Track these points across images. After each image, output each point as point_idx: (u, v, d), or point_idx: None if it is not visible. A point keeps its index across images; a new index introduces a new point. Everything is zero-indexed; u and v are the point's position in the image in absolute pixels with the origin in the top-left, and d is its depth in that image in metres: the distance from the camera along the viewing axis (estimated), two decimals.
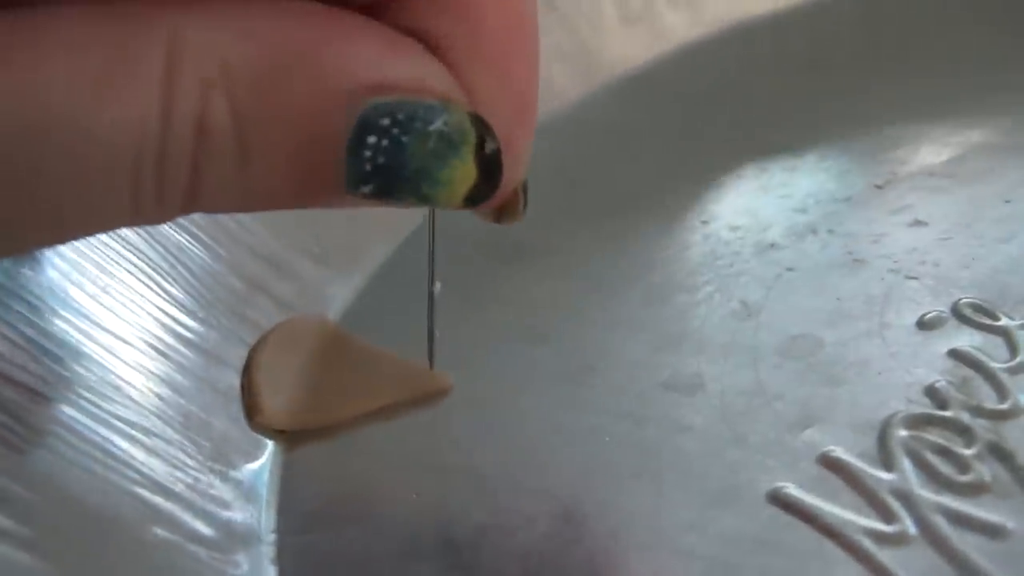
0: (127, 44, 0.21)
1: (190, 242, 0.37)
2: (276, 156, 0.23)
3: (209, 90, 0.22)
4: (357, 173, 0.23)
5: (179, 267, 0.36)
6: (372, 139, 0.23)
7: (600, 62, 0.48)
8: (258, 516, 0.32)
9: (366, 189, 0.24)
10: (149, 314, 0.35)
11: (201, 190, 0.23)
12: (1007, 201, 0.39)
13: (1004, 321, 0.35)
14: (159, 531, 0.30)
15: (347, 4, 0.25)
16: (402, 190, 0.24)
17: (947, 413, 0.33)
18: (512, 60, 0.25)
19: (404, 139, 0.23)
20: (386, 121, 0.23)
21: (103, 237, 0.34)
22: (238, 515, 0.32)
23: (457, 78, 0.24)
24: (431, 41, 0.24)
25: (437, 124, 0.23)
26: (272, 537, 0.32)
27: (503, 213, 0.27)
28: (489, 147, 0.24)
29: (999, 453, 0.31)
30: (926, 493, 0.31)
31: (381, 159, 0.23)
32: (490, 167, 0.24)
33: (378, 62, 0.23)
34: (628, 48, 0.48)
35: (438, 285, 0.33)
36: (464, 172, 0.24)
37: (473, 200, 0.25)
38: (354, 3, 0.25)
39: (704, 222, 0.40)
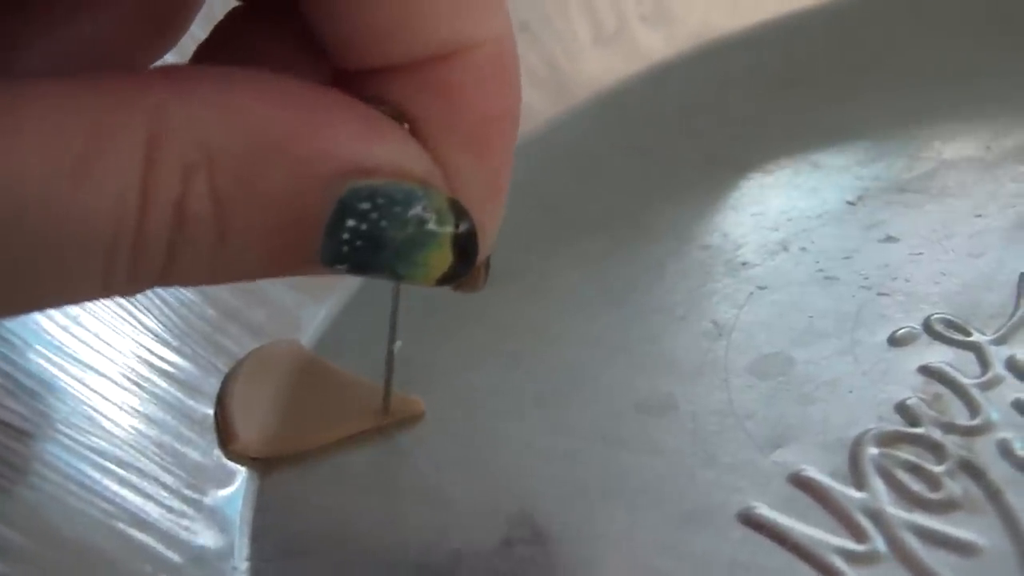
0: (108, 124, 0.21)
1: None
2: (253, 237, 0.23)
3: (190, 175, 0.22)
4: (334, 253, 0.23)
5: (152, 297, 0.36)
6: (351, 222, 0.23)
7: (573, 83, 0.48)
8: (231, 544, 0.32)
9: (341, 267, 0.24)
10: (123, 345, 0.35)
11: (174, 269, 0.23)
12: (978, 216, 0.40)
13: (976, 336, 0.35)
14: (133, 562, 0.30)
15: (324, 79, 0.25)
16: (378, 270, 0.24)
17: (918, 430, 0.33)
18: (490, 141, 0.25)
19: (383, 223, 0.23)
20: (365, 205, 0.23)
21: None
22: (211, 543, 0.32)
23: (432, 155, 0.24)
24: (408, 115, 0.24)
25: (416, 210, 0.23)
26: (246, 565, 0.32)
27: (464, 283, 0.27)
28: (465, 231, 0.24)
29: (970, 470, 0.31)
30: (897, 511, 0.31)
31: (359, 242, 0.23)
32: (465, 250, 0.24)
33: (358, 145, 0.23)
34: (601, 68, 0.48)
35: (399, 344, 0.33)
36: (440, 256, 0.24)
37: (446, 280, 0.25)
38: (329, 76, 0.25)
39: (677, 241, 0.40)
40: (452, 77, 0.24)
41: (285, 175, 0.22)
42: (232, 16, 0.26)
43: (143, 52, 0.26)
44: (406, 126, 0.24)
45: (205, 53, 0.26)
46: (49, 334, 0.33)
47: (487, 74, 0.24)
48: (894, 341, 0.35)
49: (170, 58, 0.27)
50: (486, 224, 0.25)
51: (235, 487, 0.34)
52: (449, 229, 0.24)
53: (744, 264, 0.39)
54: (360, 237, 0.23)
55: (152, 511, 0.31)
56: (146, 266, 0.22)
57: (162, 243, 0.22)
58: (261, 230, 0.23)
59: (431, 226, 0.24)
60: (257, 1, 0.26)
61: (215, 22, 0.27)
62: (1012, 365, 0.34)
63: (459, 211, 0.24)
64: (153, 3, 0.26)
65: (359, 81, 0.24)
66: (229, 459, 0.34)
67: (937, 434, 0.32)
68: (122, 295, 0.23)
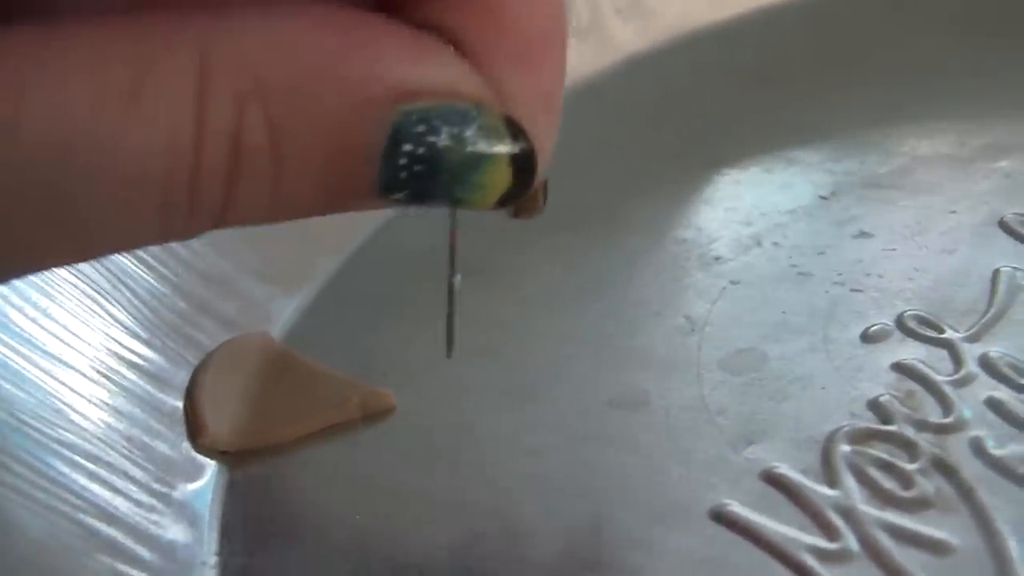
0: (156, 58, 0.21)
1: (134, 264, 0.37)
2: (310, 167, 0.22)
3: (243, 105, 0.21)
4: (391, 180, 0.23)
5: (123, 289, 0.36)
6: (407, 147, 0.23)
7: None
8: (201, 538, 0.32)
9: (399, 195, 0.23)
10: (92, 337, 0.35)
11: (233, 205, 0.22)
12: (952, 212, 0.40)
13: (948, 333, 0.35)
14: (102, 557, 0.30)
15: (369, 5, 0.24)
16: (436, 195, 0.23)
17: (891, 427, 0.33)
18: (540, 58, 0.24)
19: (439, 145, 0.23)
20: (420, 128, 0.23)
21: None
22: (180, 538, 0.32)
23: (484, 75, 0.24)
24: (456, 37, 0.24)
25: (471, 129, 0.23)
26: (214, 560, 0.32)
27: (523, 208, 0.27)
28: (522, 149, 0.24)
29: (943, 468, 0.31)
30: (869, 509, 0.31)
31: (416, 166, 0.23)
32: (524, 169, 0.24)
33: (409, 67, 0.23)
34: (575, 61, 0.48)
35: (459, 277, 0.33)
36: (499, 176, 0.24)
37: (505, 201, 0.24)
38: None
39: (651, 236, 0.40)
40: None
41: (337, 101, 0.22)
42: None
43: None
44: (452, 48, 0.24)
45: None
46: (17, 326, 0.33)
47: None
48: (867, 338, 0.35)
49: None
50: (542, 141, 0.25)
51: (204, 481, 0.33)
52: (507, 147, 0.24)
53: (717, 259, 0.39)
54: (418, 161, 0.23)
55: (121, 505, 0.31)
56: (205, 203, 0.22)
57: (220, 178, 0.22)
58: (318, 159, 0.22)
59: (488, 144, 0.23)
60: None
61: None
62: (985, 362, 0.34)
63: (515, 128, 0.24)
64: None
65: (405, 6, 0.24)
66: (198, 452, 0.34)
67: (910, 432, 0.32)
68: (181, 238, 0.23)
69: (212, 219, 0.23)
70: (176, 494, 0.33)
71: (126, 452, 0.33)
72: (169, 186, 0.21)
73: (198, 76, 0.21)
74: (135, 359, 0.35)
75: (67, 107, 0.20)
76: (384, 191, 0.23)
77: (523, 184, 0.24)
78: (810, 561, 0.30)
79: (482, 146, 0.23)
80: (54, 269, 0.34)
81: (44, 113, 0.20)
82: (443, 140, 0.23)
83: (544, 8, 0.25)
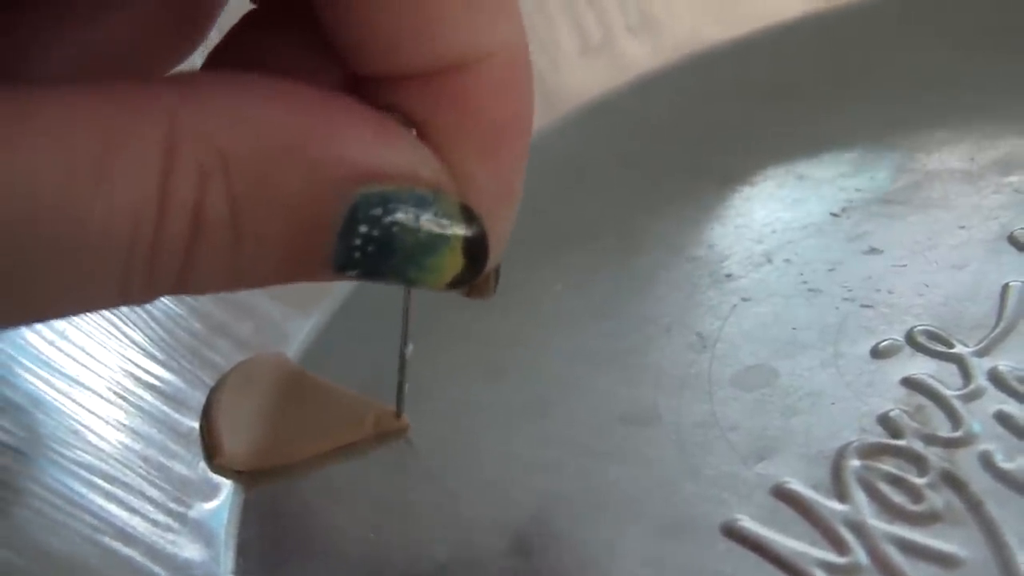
0: (123, 130, 0.21)
1: None
2: (269, 242, 0.23)
3: (207, 179, 0.22)
4: (346, 258, 0.23)
5: (139, 311, 0.36)
6: (363, 227, 0.23)
7: (559, 94, 0.48)
8: (217, 557, 0.32)
9: (353, 272, 0.24)
10: (109, 359, 0.35)
11: (191, 275, 0.23)
12: (962, 227, 0.40)
13: (958, 348, 0.35)
14: None
15: (338, 85, 0.25)
16: (389, 274, 0.24)
17: (900, 442, 0.33)
18: (502, 148, 0.25)
19: (394, 228, 0.23)
20: (377, 210, 0.23)
21: None
22: (197, 557, 0.32)
23: (444, 161, 0.24)
24: (419, 121, 0.24)
25: (427, 213, 0.24)
26: None
27: (475, 289, 0.28)
28: (476, 235, 0.24)
29: (952, 482, 0.32)
30: (879, 523, 0.31)
31: (370, 247, 0.23)
32: (476, 255, 0.25)
33: (370, 150, 0.23)
34: (587, 79, 0.49)
35: (411, 347, 0.34)
36: (452, 260, 0.24)
37: (456, 284, 0.25)
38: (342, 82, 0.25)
39: (662, 253, 0.41)
40: (466, 86, 0.24)
41: (299, 179, 0.23)
42: (246, 20, 0.27)
43: (162, 58, 0.27)
44: (413, 132, 0.24)
45: (219, 57, 0.26)
46: (36, 348, 0.33)
47: (500, 83, 0.24)
48: (877, 353, 0.36)
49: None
50: (497, 229, 0.25)
51: (220, 500, 0.34)
52: (460, 232, 0.24)
53: (728, 276, 0.39)
54: (372, 242, 0.23)
55: (138, 525, 0.32)
56: (163, 272, 0.22)
57: (179, 248, 0.22)
58: (276, 235, 0.23)
59: (442, 230, 0.24)
60: (272, 5, 0.26)
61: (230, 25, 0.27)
62: (994, 377, 0.34)
63: (469, 215, 0.24)
64: (172, 9, 0.26)
65: (373, 88, 0.24)
66: (215, 472, 0.34)
67: (919, 446, 0.33)
68: (138, 303, 0.23)
69: (170, 287, 0.23)
70: (193, 514, 0.33)
71: (143, 472, 0.33)
72: (131, 255, 0.22)
73: (163, 150, 0.21)
74: (152, 380, 0.35)
75: (35, 180, 0.21)
76: (338, 268, 0.24)
77: (475, 268, 0.25)
78: (820, 575, 0.30)
79: (437, 231, 0.24)
80: None
81: (11, 185, 0.21)
82: (399, 223, 0.23)
83: (510, 99, 0.25)
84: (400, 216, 0.23)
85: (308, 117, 0.23)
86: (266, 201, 0.23)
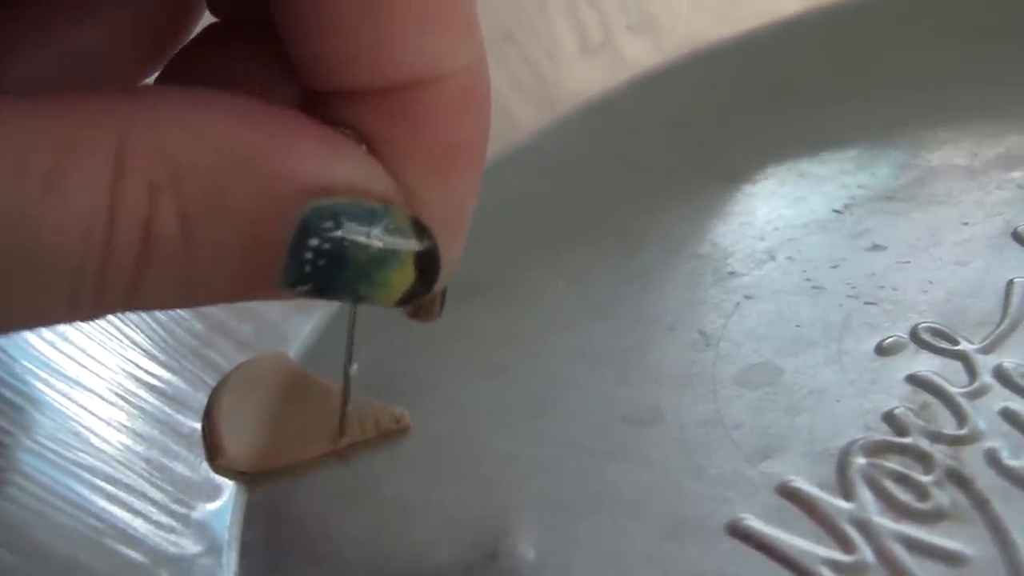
0: (74, 143, 0.21)
1: None
2: (219, 257, 0.23)
3: (157, 193, 0.22)
4: (296, 273, 0.23)
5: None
6: (313, 242, 0.23)
7: (559, 93, 0.48)
8: (219, 559, 0.32)
9: (303, 288, 0.24)
10: (110, 360, 0.35)
11: (141, 290, 0.23)
12: (965, 224, 0.40)
13: (963, 345, 0.35)
14: None
15: (294, 99, 0.25)
16: (340, 290, 0.24)
17: (906, 440, 0.33)
18: (454, 170, 0.25)
19: (345, 243, 0.23)
20: (328, 224, 0.23)
21: None
22: (200, 559, 0.32)
23: (396, 177, 0.24)
24: (371, 138, 0.24)
25: (379, 227, 0.24)
26: None
27: (420, 310, 0.28)
28: (427, 248, 0.24)
29: (958, 479, 0.31)
30: (884, 521, 0.31)
31: (321, 261, 0.23)
32: (428, 269, 0.25)
33: (320, 164, 0.23)
34: (587, 78, 0.49)
35: (355, 367, 0.33)
36: (403, 274, 0.24)
37: (407, 299, 0.25)
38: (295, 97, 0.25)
39: (664, 252, 0.40)
40: (419, 105, 0.24)
41: (250, 194, 0.22)
42: (208, 32, 0.27)
43: (136, 68, 0.27)
44: (363, 147, 0.24)
45: (174, 69, 0.26)
46: (36, 349, 0.33)
47: (456, 104, 0.24)
48: (881, 350, 0.35)
49: None
50: (447, 248, 0.25)
51: (222, 501, 0.34)
52: (411, 246, 0.24)
53: (732, 274, 0.39)
54: (323, 256, 0.23)
55: (140, 526, 0.31)
56: (113, 287, 0.22)
57: (129, 263, 0.22)
58: (227, 250, 0.23)
59: (393, 243, 0.24)
60: (233, 19, 0.26)
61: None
62: (999, 374, 0.34)
63: (421, 229, 0.24)
64: (147, 20, 0.26)
65: (327, 103, 0.24)
66: (216, 473, 0.34)
67: (925, 444, 0.32)
68: (87, 319, 0.23)
69: (119, 303, 0.23)
70: (195, 515, 0.33)
71: (145, 474, 0.33)
72: (80, 269, 0.22)
73: (114, 163, 0.21)
74: (153, 381, 0.35)
75: None
76: (290, 283, 0.23)
77: (426, 283, 0.25)
78: (826, 574, 0.30)
79: (388, 244, 0.24)
80: None
81: None
82: (349, 237, 0.23)
83: (464, 122, 0.25)
84: (351, 229, 0.23)
85: (259, 132, 0.23)
86: (217, 216, 0.22)
